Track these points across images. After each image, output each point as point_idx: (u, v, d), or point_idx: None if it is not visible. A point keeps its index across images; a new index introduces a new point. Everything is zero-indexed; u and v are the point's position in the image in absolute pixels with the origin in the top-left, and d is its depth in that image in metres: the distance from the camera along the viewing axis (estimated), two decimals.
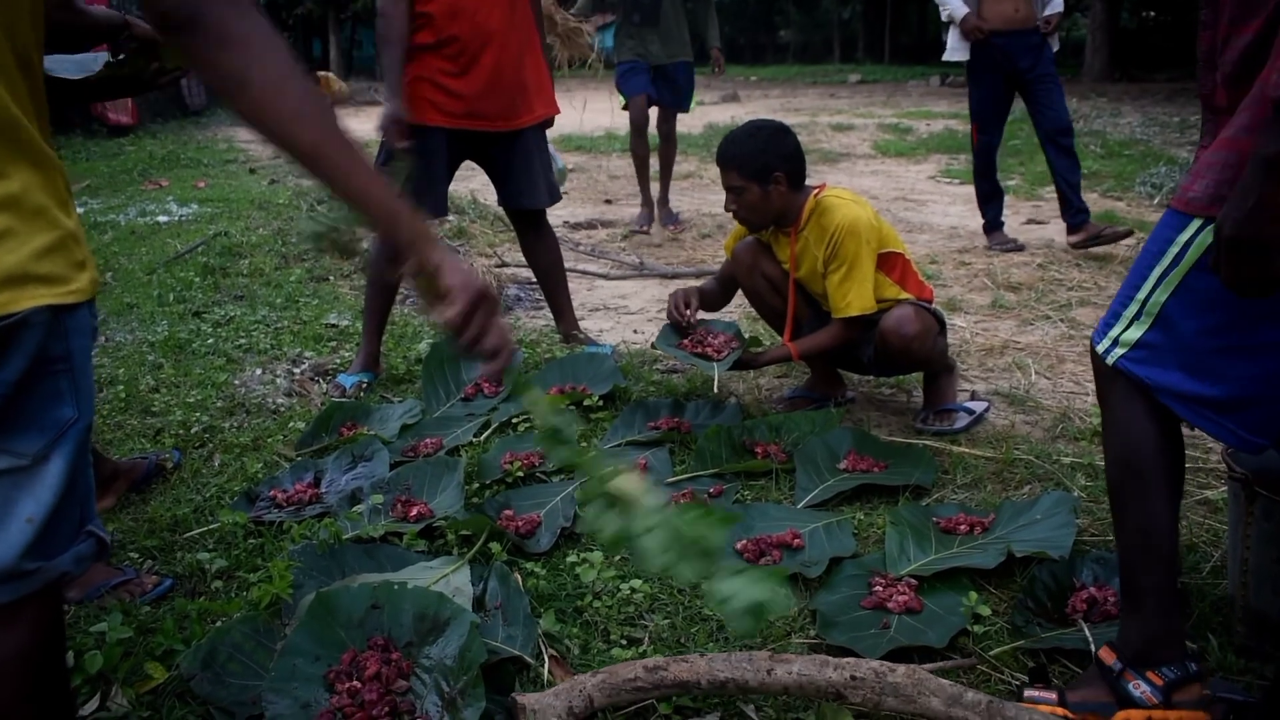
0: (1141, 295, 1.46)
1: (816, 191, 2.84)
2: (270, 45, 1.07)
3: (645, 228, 6.03)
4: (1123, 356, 1.49)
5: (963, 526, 2.18)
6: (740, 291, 3.13)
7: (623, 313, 4.42)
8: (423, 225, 1.17)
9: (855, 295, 2.75)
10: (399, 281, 3.39)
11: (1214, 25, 1.41)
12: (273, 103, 1.08)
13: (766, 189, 2.76)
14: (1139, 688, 1.50)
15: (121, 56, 1.92)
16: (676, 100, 5.98)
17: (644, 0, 5.62)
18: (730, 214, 2.89)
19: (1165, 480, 1.51)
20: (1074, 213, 5.08)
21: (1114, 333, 1.51)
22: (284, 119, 1.09)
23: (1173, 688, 1.49)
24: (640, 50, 5.70)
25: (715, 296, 3.18)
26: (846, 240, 2.73)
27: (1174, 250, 1.40)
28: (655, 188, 6.17)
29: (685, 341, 3.01)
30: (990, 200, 5.38)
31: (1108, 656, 1.55)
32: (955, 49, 5.21)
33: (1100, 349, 1.53)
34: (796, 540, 2.16)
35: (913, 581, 1.99)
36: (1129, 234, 4.93)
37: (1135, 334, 1.47)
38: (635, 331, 4.01)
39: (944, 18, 5.19)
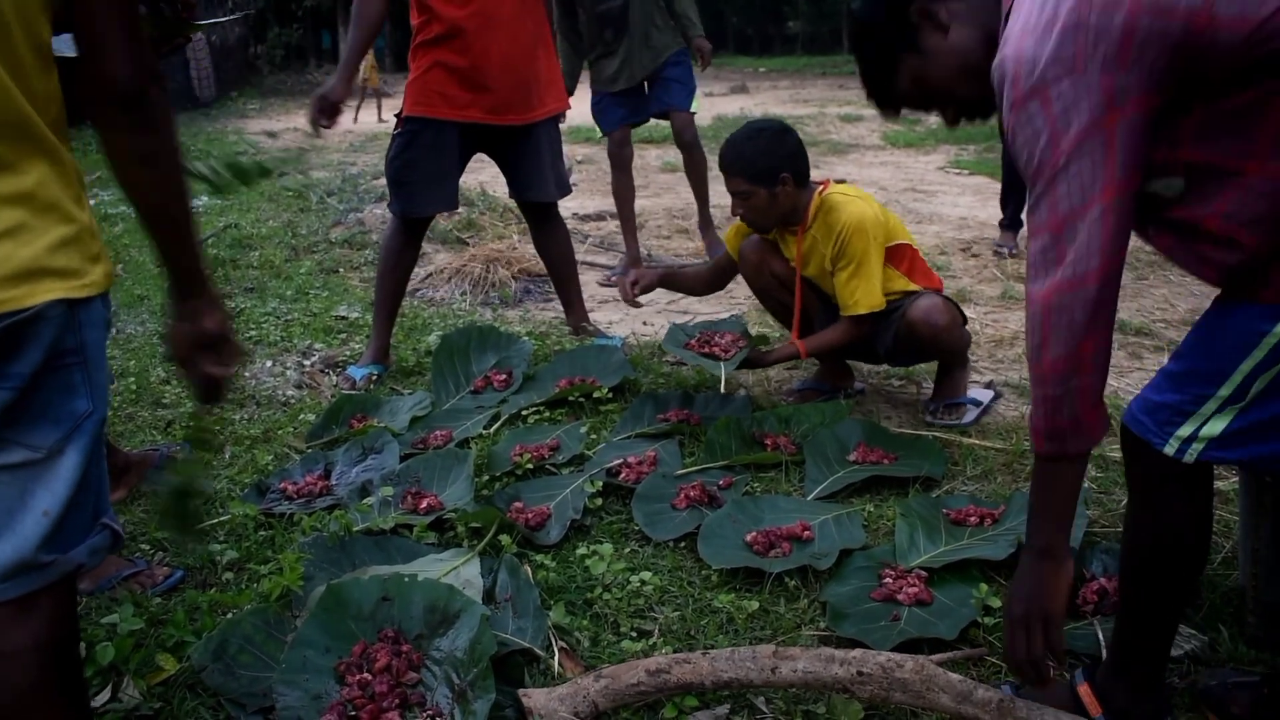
0: (1226, 392, 1.32)
1: (821, 189, 2.82)
2: (174, 130, 1.19)
3: (616, 279, 4.50)
4: (1204, 450, 1.36)
5: (973, 518, 2.18)
6: (739, 285, 3.14)
7: None
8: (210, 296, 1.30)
9: (863, 293, 2.74)
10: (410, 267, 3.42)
11: None
12: (166, 181, 1.18)
13: (774, 191, 2.74)
14: None
15: None
16: (680, 100, 4.81)
17: (609, 13, 4.55)
18: (737, 218, 2.88)
19: (1196, 565, 1.46)
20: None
21: (1184, 432, 1.37)
22: (170, 193, 1.19)
23: None
24: (616, 75, 4.68)
25: (700, 282, 3.25)
26: (854, 238, 2.72)
27: (1271, 342, 1.28)
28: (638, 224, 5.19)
29: (692, 341, 3.01)
30: (1008, 199, 5.06)
31: (1092, 706, 1.52)
32: None
33: (1169, 451, 1.38)
34: (806, 532, 2.15)
35: (923, 573, 1.98)
36: None
37: (1219, 426, 1.34)
38: (645, 324, 4.01)
39: None
